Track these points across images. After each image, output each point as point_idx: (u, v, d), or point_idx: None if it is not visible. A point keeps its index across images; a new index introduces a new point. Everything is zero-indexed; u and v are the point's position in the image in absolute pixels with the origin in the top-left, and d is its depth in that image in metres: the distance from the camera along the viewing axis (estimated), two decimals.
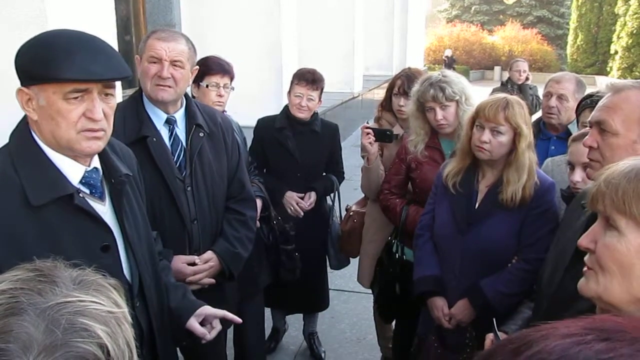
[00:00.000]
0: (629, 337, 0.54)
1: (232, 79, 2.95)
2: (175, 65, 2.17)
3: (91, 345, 0.78)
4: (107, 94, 1.46)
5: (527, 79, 6.17)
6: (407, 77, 3.13)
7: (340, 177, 3.62)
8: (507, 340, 0.59)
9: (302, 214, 3.37)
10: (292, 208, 3.35)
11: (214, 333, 1.83)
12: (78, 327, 0.77)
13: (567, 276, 1.55)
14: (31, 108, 1.41)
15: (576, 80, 3.39)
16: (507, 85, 6.09)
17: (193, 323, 1.80)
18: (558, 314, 1.41)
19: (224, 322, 1.90)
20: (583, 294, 1.14)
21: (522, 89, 5.82)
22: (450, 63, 22.21)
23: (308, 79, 3.28)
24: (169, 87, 2.17)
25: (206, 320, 1.84)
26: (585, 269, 1.14)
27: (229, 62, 2.97)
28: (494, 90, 4.87)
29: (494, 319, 1.84)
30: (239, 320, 1.88)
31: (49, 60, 1.36)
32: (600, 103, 1.72)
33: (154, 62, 2.16)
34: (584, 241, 1.14)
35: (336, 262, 3.57)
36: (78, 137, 1.43)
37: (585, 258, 1.15)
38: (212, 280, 2.34)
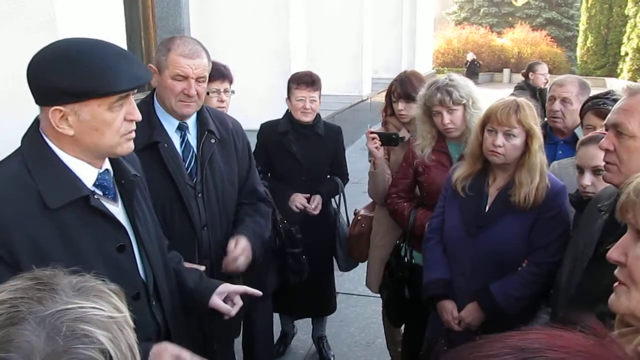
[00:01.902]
0: (548, 357, 0.53)
1: (231, 82, 2.93)
2: (199, 81, 2.17)
3: (93, 351, 0.77)
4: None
5: (546, 82, 6.08)
6: (400, 82, 3.16)
7: (345, 179, 3.62)
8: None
9: (312, 207, 3.34)
10: (297, 205, 3.33)
11: (236, 308, 1.87)
12: (79, 334, 0.77)
13: (585, 279, 1.52)
14: (66, 125, 1.41)
15: (579, 83, 3.36)
16: (525, 89, 5.96)
17: (216, 300, 1.84)
18: (578, 317, 1.39)
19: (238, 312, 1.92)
20: (614, 310, 1.09)
21: (542, 93, 5.72)
22: (473, 70, 20.30)
23: (307, 81, 3.28)
24: (194, 102, 2.19)
25: (227, 298, 1.88)
26: (616, 284, 1.08)
27: (226, 65, 2.94)
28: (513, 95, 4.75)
29: None
30: (260, 293, 1.92)
31: (95, 77, 1.37)
32: (616, 106, 1.71)
33: (180, 80, 2.14)
34: (614, 254, 1.08)
35: (345, 264, 3.57)
36: (120, 141, 1.48)
37: (616, 272, 1.09)
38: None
